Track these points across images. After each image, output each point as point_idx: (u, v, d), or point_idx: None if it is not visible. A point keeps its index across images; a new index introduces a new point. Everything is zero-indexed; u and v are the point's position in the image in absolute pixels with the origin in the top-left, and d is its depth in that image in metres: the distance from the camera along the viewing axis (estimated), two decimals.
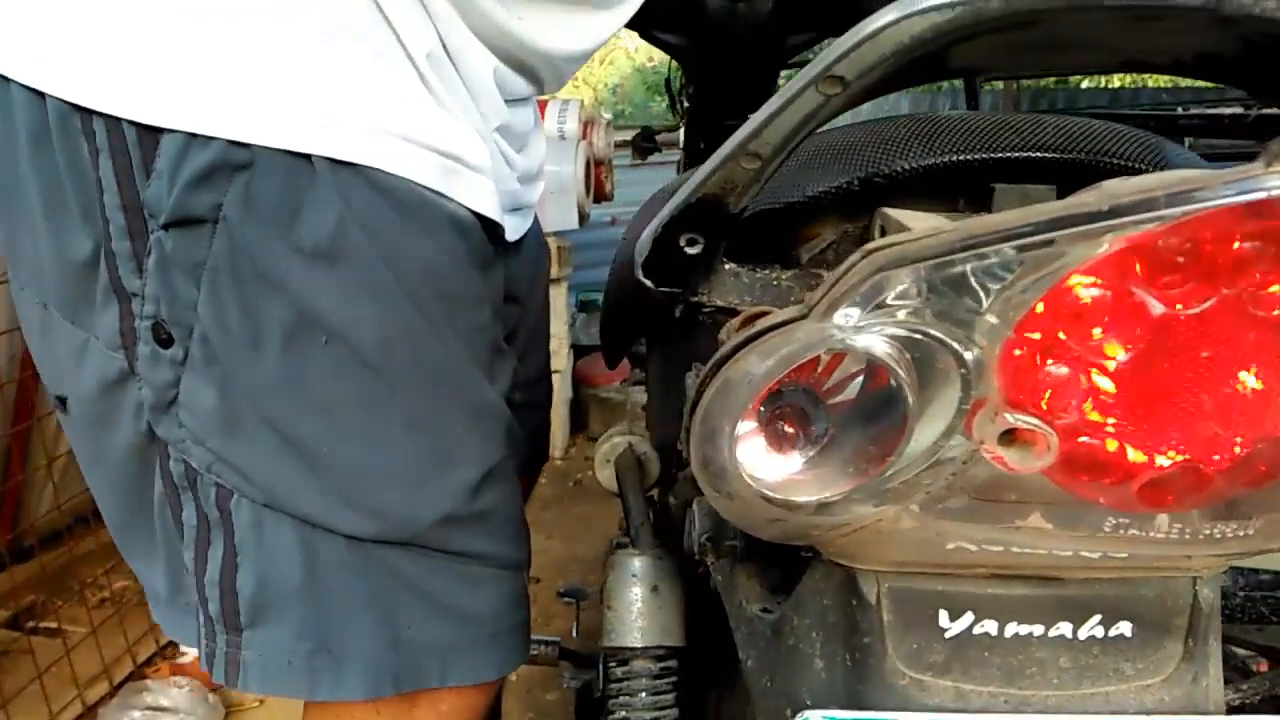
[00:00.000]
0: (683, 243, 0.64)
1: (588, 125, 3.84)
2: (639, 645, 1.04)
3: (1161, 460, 0.48)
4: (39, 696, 1.82)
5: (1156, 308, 0.44)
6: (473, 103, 0.76)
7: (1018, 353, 0.46)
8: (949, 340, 0.47)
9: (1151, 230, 0.39)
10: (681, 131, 2.14)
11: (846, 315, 0.48)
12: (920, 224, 0.50)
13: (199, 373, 0.71)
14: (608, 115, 4.03)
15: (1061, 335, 0.45)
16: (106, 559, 2.17)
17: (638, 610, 1.06)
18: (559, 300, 3.72)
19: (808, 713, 0.58)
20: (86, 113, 0.66)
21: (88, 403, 0.76)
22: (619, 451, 1.24)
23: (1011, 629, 0.60)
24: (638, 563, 1.07)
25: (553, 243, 3.52)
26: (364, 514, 0.73)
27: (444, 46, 0.72)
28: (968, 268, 0.44)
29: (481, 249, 0.78)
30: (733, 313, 0.68)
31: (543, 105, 3.71)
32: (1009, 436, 0.48)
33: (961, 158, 0.63)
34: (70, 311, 0.73)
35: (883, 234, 0.61)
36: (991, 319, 0.46)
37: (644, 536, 1.11)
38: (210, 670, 0.77)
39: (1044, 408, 0.47)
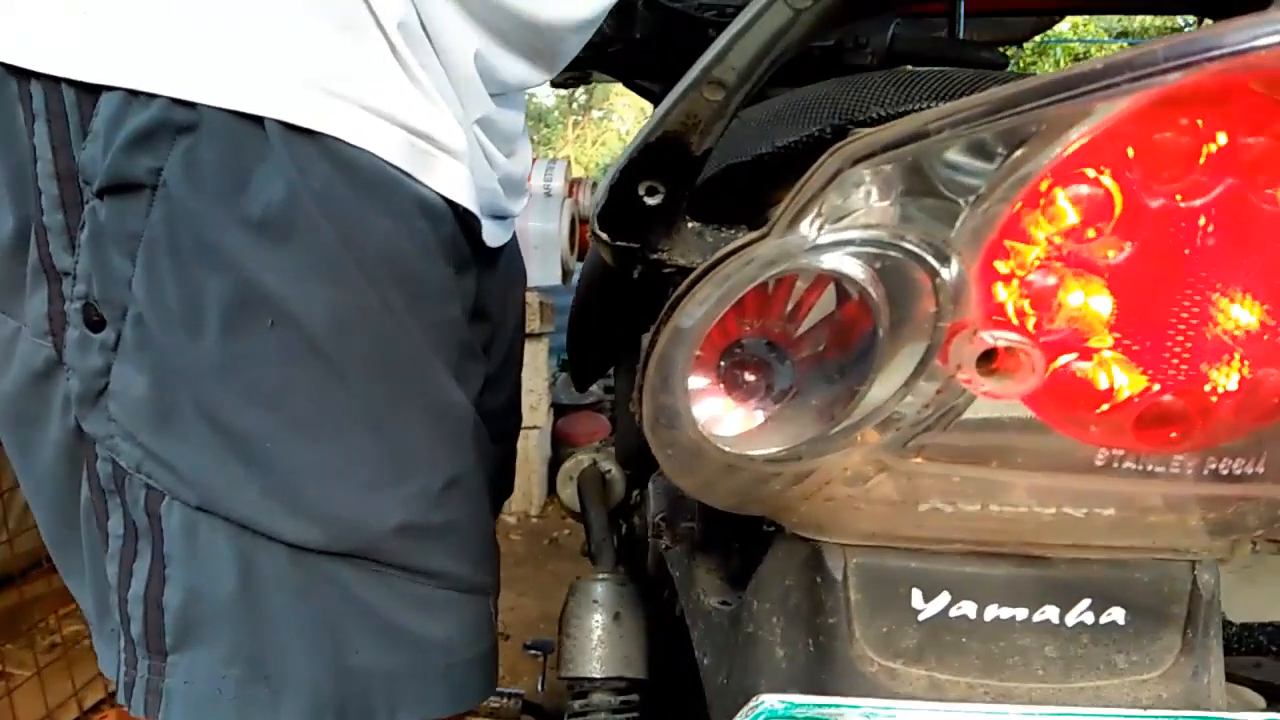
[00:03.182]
0: (642, 191, 0.59)
1: (574, 185, 3.86)
2: (598, 676, 0.98)
3: (1160, 385, 0.42)
4: None
5: (1154, 201, 0.39)
6: (450, 85, 0.71)
7: (1000, 263, 0.42)
8: (925, 254, 0.42)
9: (1149, 94, 0.35)
10: None
11: (811, 226, 0.43)
12: None
13: (131, 359, 0.64)
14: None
15: (1049, 239, 0.41)
16: (60, 603, 2.08)
17: (597, 638, 1.00)
18: (539, 356, 3.68)
19: (763, 696, 0.51)
20: (24, 76, 0.62)
21: (14, 399, 0.69)
22: (583, 468, 1.18)
23: (992, 611, 0.54)
24: (600, 588, 1.01)
25: (535, 298, 3.50)
26: (309, 519, 0.66)
27: (420, 19, 0.67)
28: (943, 161, 0.40)
29: (452, 241, 0.72)
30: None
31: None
32: (989, 361, 0.43)
33: (940, 104, 0.59)
34: (1, 299, 0.68)
35: None
36: (971, 224, 0.41)
37: (605, 554, 1.05)
38: (129, 704, 0.69)
39: (1029, 326, 0.42)
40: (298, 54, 0.63)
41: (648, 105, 1.70)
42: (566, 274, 3.55)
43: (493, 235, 0.82)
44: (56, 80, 0.61)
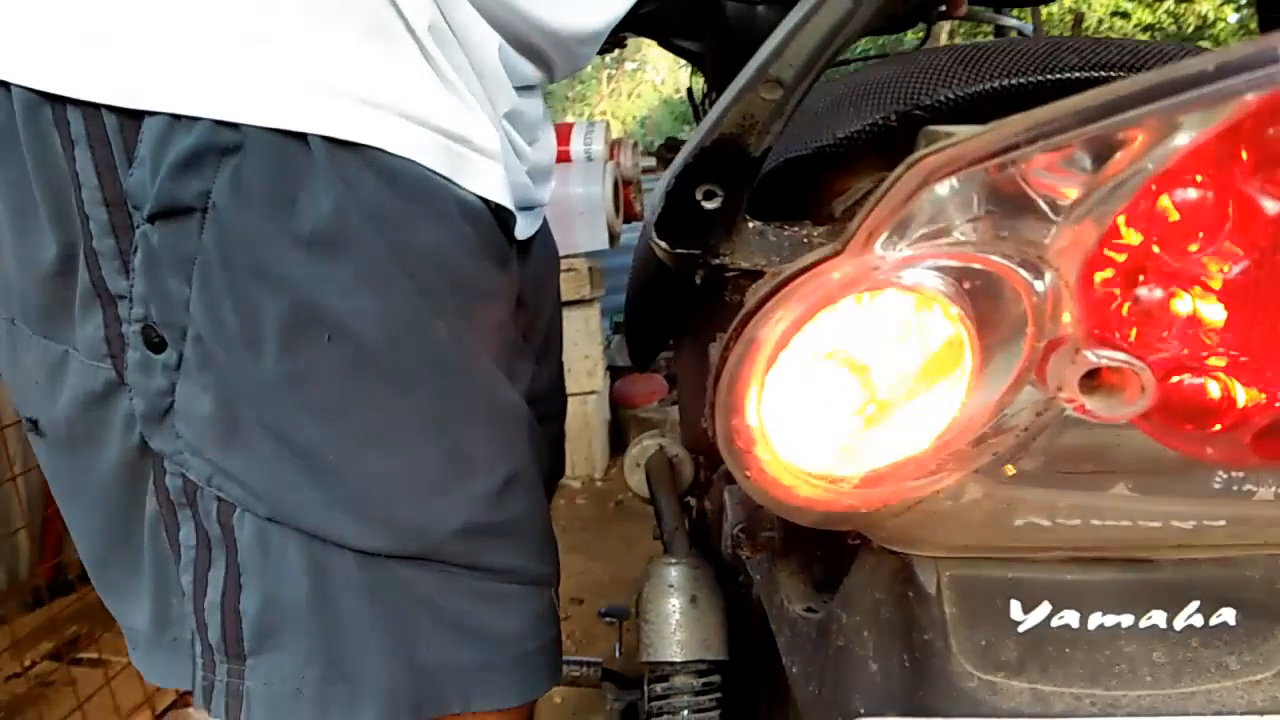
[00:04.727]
0: (699, 196, 0.57)
1: (615, 146, 3.80)
2: (679, 660, 0.97)
3: None
4: None
5: (1271, 207, 0.36)
6: (479, 83, 0.70)
7: (1101, 275, 0.39)
8: (1016, 268, 0.39)
9: (1268, 96, 0.31)
10: None
11: (889, 244, 0.41)
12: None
13: (194, 378, 0.65)
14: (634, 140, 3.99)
15: (1155, 250, 0.37)
16: None
17: (676, 622, 0.99)
18: (592, 321, 3.66)
19: None
20: (60, 102, 0.61)
21: (68, 421, 0.70)
22: (649, 454, 1.16)
23: (1096, 620, 0.52)
24: (674, 572, 1.00)
25: (584, 264, 3.47)
26: (376, 526, 0.67)
27: (446, 21, 0.66)
28: (1036, 170, 0.37)
29: (494, 240, 0.72)
30: (758, 277, 0.61)
31: (568, 128, 3.71)
32: (1092, 379, 0.41)
33: (1015, 81, 0.55)
34: (42, 325, 0.68)
35: None
36: (1068, 235, 0.38)
37: (678, 542, 1.04)
38: (208, 706, 0.71)
39: (1134, 341, 0.39)
40: (335, 67, 0.62)
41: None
42: (614, 238, 3.51)
43: (524, 228, 0.82)
44: (95, 106, 0.61)
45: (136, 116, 0.61)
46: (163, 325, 0.65)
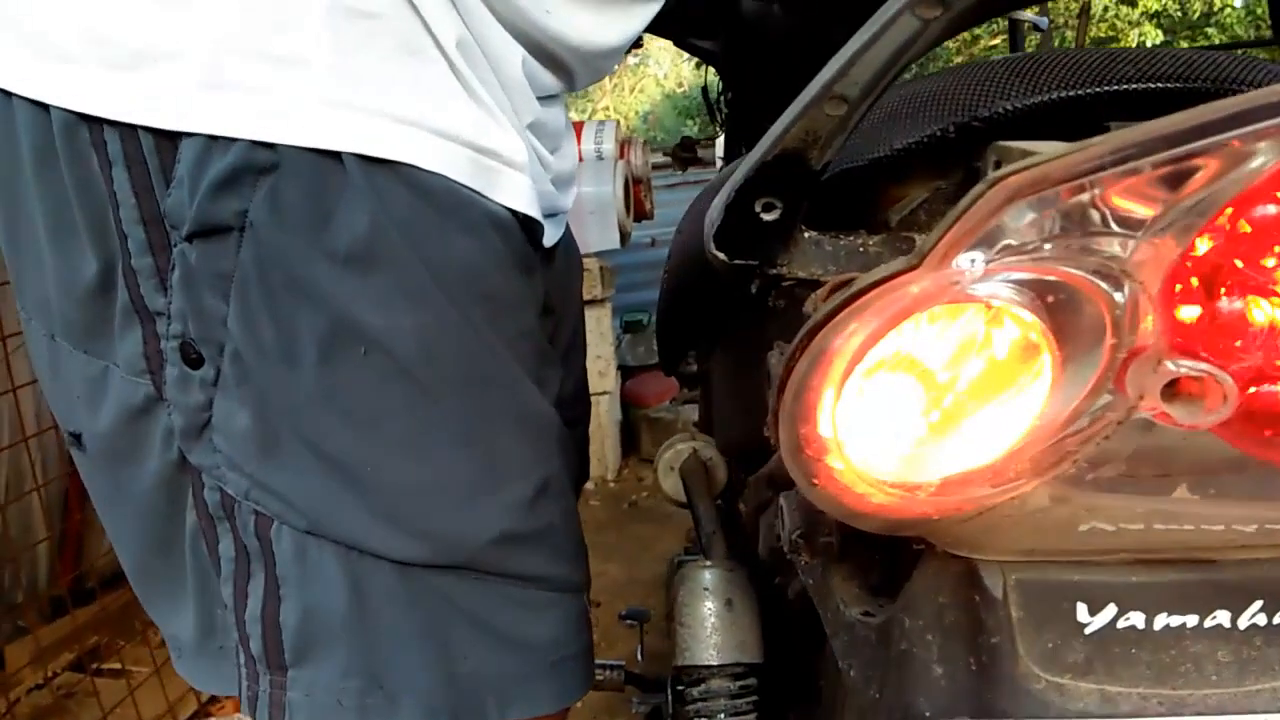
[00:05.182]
0: (758, 208, 0.58)
1: (625, 145, 3.80)
2: (715, 663, 0.98)
3: None
4: None
5: None
6: (505, 96, 0.71)
7: (1181, 287, 0.39)
8: (1095, 280, 0.40)
9: None
10: (719, 141, 2.11)
11: (969, 260, 0.42)
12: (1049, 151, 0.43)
13: (231, 393, 0.66)
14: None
15: (1237, 263, 0.38)
16: None
17: (712, 626, 1.00)
18: (603, 321, 3.67)
19: None
20: (96, 122, 0.62)
21: (109, 435, 0.71)
22: (684, 458, 1.17)
23: (1161, 621, 0.53)
24: (709, 575, 1.01)
25: (595, 263, 3.48)
26: (413, 536, 0.68)
27: (472, 36, 0.67)
28: (1118, 189, 0.38)
29: (522, 251, 0.73)
30: (814, 286, 0.62)
31: (579, 127, 3.70)
32: (1172, 388, 0.41)
33: (1073, 93, 0.56)
34: (83, 340, 0.69)
35: (999, 168, 0.55)
36: (1148, 250, 0.39)
37: (717, 546, 1.05)
38: (253, 715, 0.72)
39: (1215, 351, 0.40)
40: (368, 86, 0.63)
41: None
42: (624, 237, 3.51)
43: (550, 236, 0.82)
44: (132, 127, 0.62)
45: (173, 137, 0.62)
46: (200, 341, 0.66)
